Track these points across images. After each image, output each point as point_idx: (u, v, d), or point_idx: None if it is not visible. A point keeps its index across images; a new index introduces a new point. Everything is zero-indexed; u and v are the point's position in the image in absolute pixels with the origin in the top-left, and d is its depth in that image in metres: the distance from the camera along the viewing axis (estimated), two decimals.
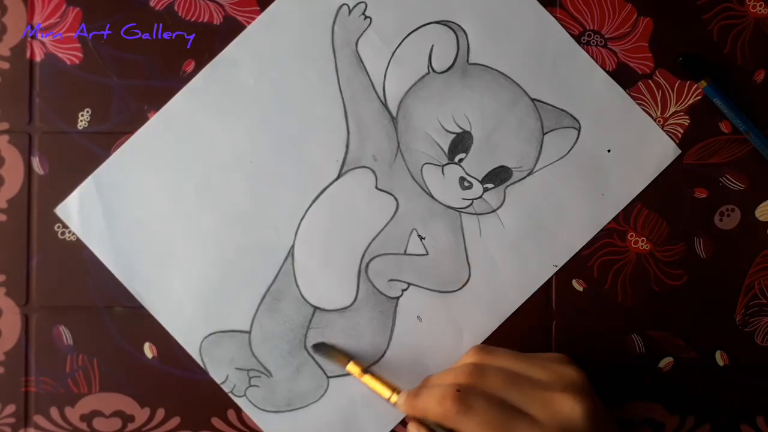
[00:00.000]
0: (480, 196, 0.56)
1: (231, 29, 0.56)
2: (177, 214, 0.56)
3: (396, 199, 0.56)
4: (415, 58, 0.56)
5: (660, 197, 0.56)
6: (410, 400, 0.49)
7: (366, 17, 0.56)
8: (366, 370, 0.54)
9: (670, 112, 0.56)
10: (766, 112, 0.56)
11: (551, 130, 0.56)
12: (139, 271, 0.56)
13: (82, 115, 0.56)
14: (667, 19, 0.56)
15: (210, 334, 0.56)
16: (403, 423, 0.56)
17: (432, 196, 0.56)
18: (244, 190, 0.56)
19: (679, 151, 0.56)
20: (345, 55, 0.56)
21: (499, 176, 0.56)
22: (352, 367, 0.54)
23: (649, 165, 0.56)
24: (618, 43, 0.56)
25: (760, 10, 0.56)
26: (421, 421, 0.50)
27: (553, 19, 0.56)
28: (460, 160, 0.56)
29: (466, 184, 0.56)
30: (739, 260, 0.56)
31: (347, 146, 0.56)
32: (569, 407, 0.46)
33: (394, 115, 0.56)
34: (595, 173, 0.56)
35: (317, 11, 0.56)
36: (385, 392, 0.52)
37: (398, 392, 0.52)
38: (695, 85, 0.56)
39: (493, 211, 0.56)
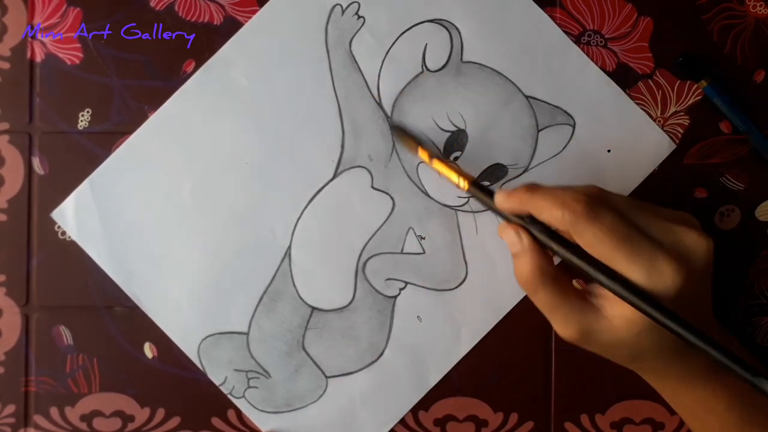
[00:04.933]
0: None
1: (231, 29, 0.56)
2: (173, 217, 0.56)
3: (392, 198, 0.56)
4: (409, 57, 0.56)
5: (660, 197, 0.56)
6: (523, 194, 0.47)
7: (359, 17, 0.56)
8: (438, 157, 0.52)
9: (670, 112, 0.56)
10: (766, 112, 0.56)
11: (546, 127, 0.56)
12: (136, 274, 0.56)
13: (83, 115, 0.56)
14: (667, 19, 0.56)
15: (208, 336, 0.56)
16: (403, 422, 0.56)
17: (428, 195, 0.56)
18: (239, 192, 0.56)
19: (674, 146, 0.56)
20: (338, 55, 0.56)
21: (494, 174, 0.56)
22: (422, 154, 0.53)
23: (645, 160, 0.56)
24: (618, 43, 0.56)
25: (760, 11, 0.56)
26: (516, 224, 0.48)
27: (545, 15, 0.56)
28: (456, 158, 0.56)
29: None
30: (739, 260, 0.56)
31: (342, 146, 0.56)
32: (693, 239, 0.45)
33: (389, 114, 0.56)
34: (590, 169, 0.56)
35: (310, 12, 0.56)
36: (455, 178, 0.51)
37: (469, 180, 0.50)
38: (695, 85, 0.56)
39: (490, 208, 0.56)
